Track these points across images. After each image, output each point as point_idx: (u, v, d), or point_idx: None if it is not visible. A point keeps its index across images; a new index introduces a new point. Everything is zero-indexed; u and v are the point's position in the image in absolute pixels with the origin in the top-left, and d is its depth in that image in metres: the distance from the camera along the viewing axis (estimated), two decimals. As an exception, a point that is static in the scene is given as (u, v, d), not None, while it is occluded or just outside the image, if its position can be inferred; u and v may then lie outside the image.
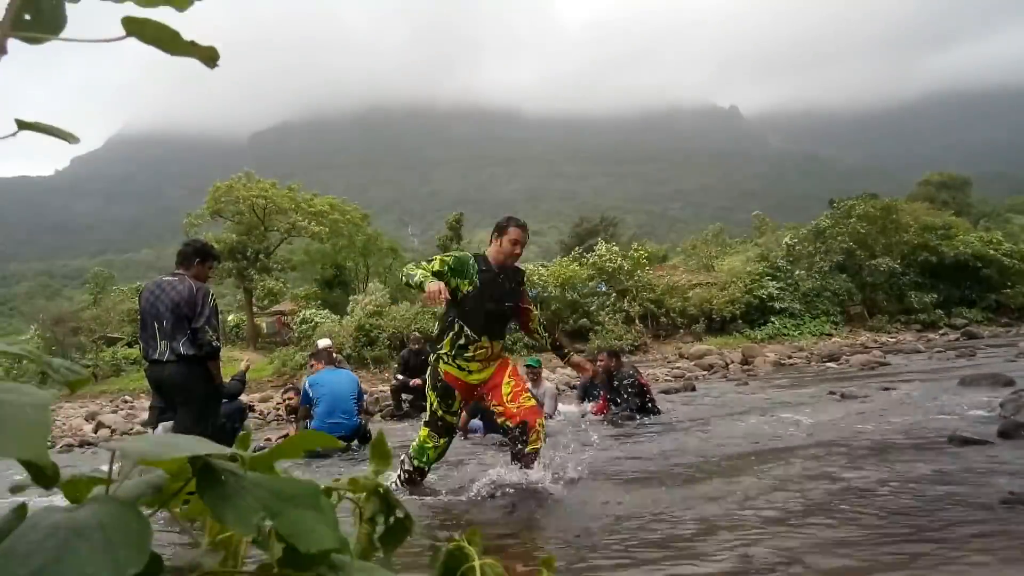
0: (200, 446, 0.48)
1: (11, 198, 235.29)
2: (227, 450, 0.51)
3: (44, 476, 0.42)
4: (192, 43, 0.49)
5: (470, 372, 3.64)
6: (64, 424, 12.28)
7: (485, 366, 3.66)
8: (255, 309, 32.15)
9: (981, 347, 15.21)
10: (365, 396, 7.40)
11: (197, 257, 4.22)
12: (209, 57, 0.52)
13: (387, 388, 11.11)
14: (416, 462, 3.64)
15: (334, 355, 9.65)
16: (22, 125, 0.47)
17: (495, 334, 3.67)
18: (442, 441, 3.64)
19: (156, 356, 4.01)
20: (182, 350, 3.96)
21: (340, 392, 5.94)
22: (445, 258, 3.62)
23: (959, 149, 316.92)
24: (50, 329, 29.36)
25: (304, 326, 24.42)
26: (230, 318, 34.74)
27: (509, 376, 3.68)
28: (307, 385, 6.13)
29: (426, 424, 3.67)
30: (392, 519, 0.60)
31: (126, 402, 18.31)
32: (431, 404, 3.65)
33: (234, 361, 25.38)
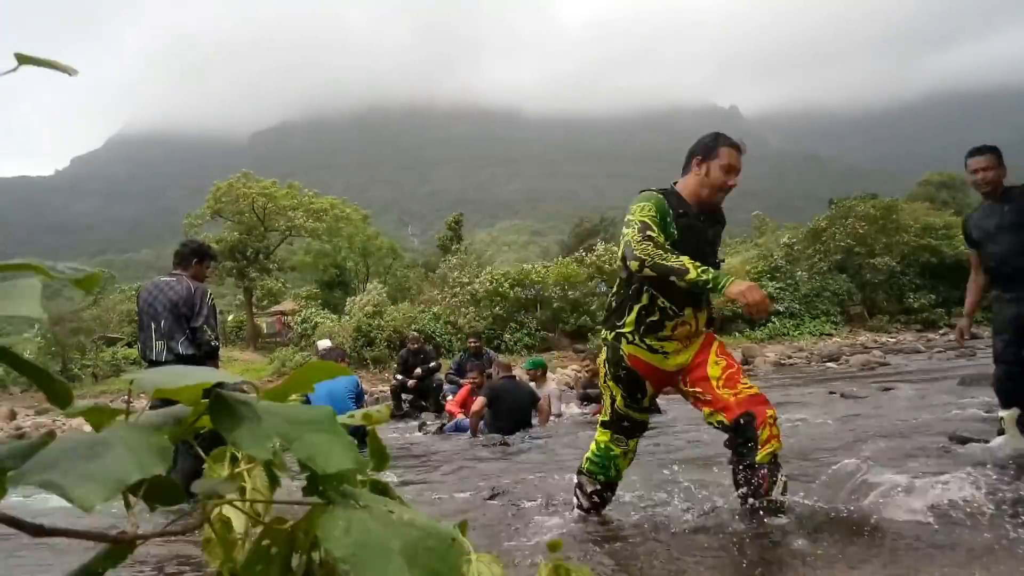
0: (212, 374, 0.50)
1: (11, 198, 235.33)
2: (239, 378, 0.53)
3: (59, 396, 0.44)
4: (70, 68, 0.51)
5: (666, 355, 2.67)
6: (64, 424, 12.29)
7: (686, 346, 2.69)
8: (255, 309, 32.17)
9: (981, 347, 15.20)
10: (366, 396, 7.38)
11: (195, 257, 4.23)
12: (66, 71, 0.52)
13: (387, 388, 11.12)
14: (601, 476, 2.80)
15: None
16: (22, 59, 0.46)
17: (700, 303, 2.69)
18: (631, 444, 2.82)
19: (154, 356, 4.02)
20: (180, 350, 3.98)
21: (337, 392, 5.93)
22: (647, 211, 2.54)
23: (959, 149, 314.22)
24: (50, 329, 29.36)
25: (304, 326, 24.43)
26: (230, 318, 34.75)
27: (717, 355, 2.70)
28: None
29: (605, 425, 2.80)
30: None
31: (126, 402, 18.29)
32: (611, 399, 2.76)
33: (234, 361, 25.43)
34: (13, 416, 14.38)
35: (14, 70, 0.47)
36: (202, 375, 0.49)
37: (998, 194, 3.59)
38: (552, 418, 7.10)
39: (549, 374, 8.58)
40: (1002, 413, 3.59)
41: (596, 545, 2.43)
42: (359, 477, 0.55)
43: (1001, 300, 3.65)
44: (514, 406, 6.12)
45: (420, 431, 7.05)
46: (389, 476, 4.26)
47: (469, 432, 6.29)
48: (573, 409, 7.72)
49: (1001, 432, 3.85)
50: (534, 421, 6.39)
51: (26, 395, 23.00)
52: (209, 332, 4.02)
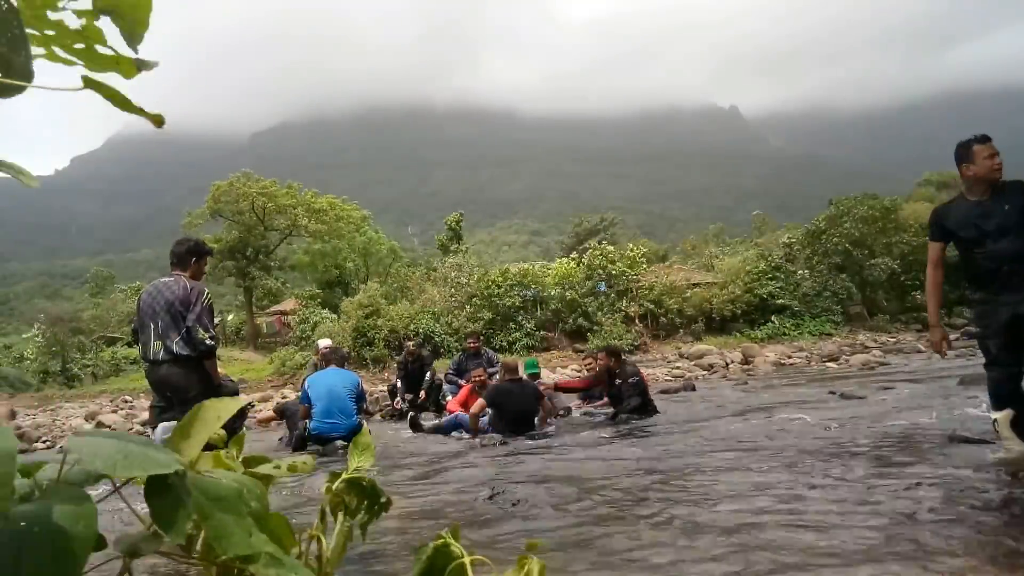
0: (154, 463, 0.48)
1: (11, 198, 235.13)
2: (172, 466, 0.50)
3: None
4: (140, 109, 0.56)
5: None
6: (64, 424, 12.30)
7: None
8: (255, 309, 32.16)
9: (981, 347, 15.19)
10: (368, 396, 7.34)
11: (192, 256, 4.22)
12: (156, 122, 0.59)
13: (386, 388, 11.12)
14: None
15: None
16: (88, 83, 0.52)
17: None
18: None
19: (152, 356, 4.02)
20: (176, 350, 3.98)
21: (337, 392, 5.93)
22: None
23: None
24: (50, 329, 29.42)
25: (304, 326, 24.44)
26: (230, 318, 34.75)
27: None
28: (306, 386, 6.14)
29: None
30: (376, 506, 0.62)
31: (126, 402, 18.31)
32: None
33: (234, 361, 25.43)
34: (13, 416, 14.38)
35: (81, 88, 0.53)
36: (143, 464, 0.47)
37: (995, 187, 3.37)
38: (560, 412, 7.13)
39: (548, 373, 8.55)
40: (995, 415, 3.49)
41: (588, 547, 2.43)
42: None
43: (993, 303, 3.42)
44: (517, 408, 6.12)
45: (415, 429, 7.00)
46: (387, 475, 4.26)
47: (469, 432, 6.28)
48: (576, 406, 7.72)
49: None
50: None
51: (26, 395, 22.97)
52: (203, 332, 4.00)
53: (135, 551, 0.50)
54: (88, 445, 0.48)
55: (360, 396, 6.22)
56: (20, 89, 0.51)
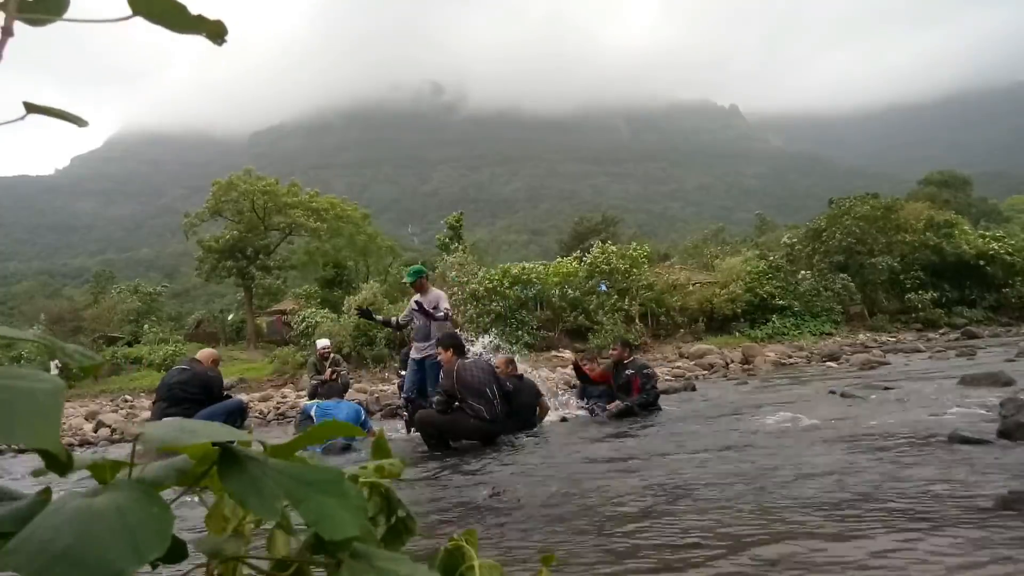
0: (219, 432, 0.48)
1: (11, 198, 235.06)
2: (248, 436, 0.51)
3: (58, 463, 0.43)
4: (199, 17, 0.47)
5: None
6: (64, 424, 12.27)
7: None
8: (254, 308, 32.18)
9: (981, 347, 15.21)
10: (369, 423, 7.11)
11: None
12: (216, 33, 0.49)
13: (387, 388, 11.12)
14: None
15: (332, 355, 9.68)
16: (31, 108, 0.45)
17: None
18: None
19: None
20: None
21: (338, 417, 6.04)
22: None
23: (959, 149, 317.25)
24: (50, 328, 29.42)
25: (304, 324, 24.44)
26: (230, 317, 34.78)
27: None
28: (312, 410, 6.26)
29: None
30: (394, 519, 0.60)
31: (126, 401, 18.31)
32: None
33: (235, 360, 25.41)
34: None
35: (22, 118, 0.46)
36: (208, 432, 0.48)
37: None
38: (564, 417, 7.06)
39: (548, 373, 8.48)
40: None
41: (589, 546, 2.43)
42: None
43: None
44: (519, 406, 6.13)
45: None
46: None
47: None
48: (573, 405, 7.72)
49: (1003, 431, 3.85)
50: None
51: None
52: None
53: (218, 552, 0.49)
54: (154, 427, 0.48)
55: (362, 423, 6.28)
56: (53, 18, 0.45)
